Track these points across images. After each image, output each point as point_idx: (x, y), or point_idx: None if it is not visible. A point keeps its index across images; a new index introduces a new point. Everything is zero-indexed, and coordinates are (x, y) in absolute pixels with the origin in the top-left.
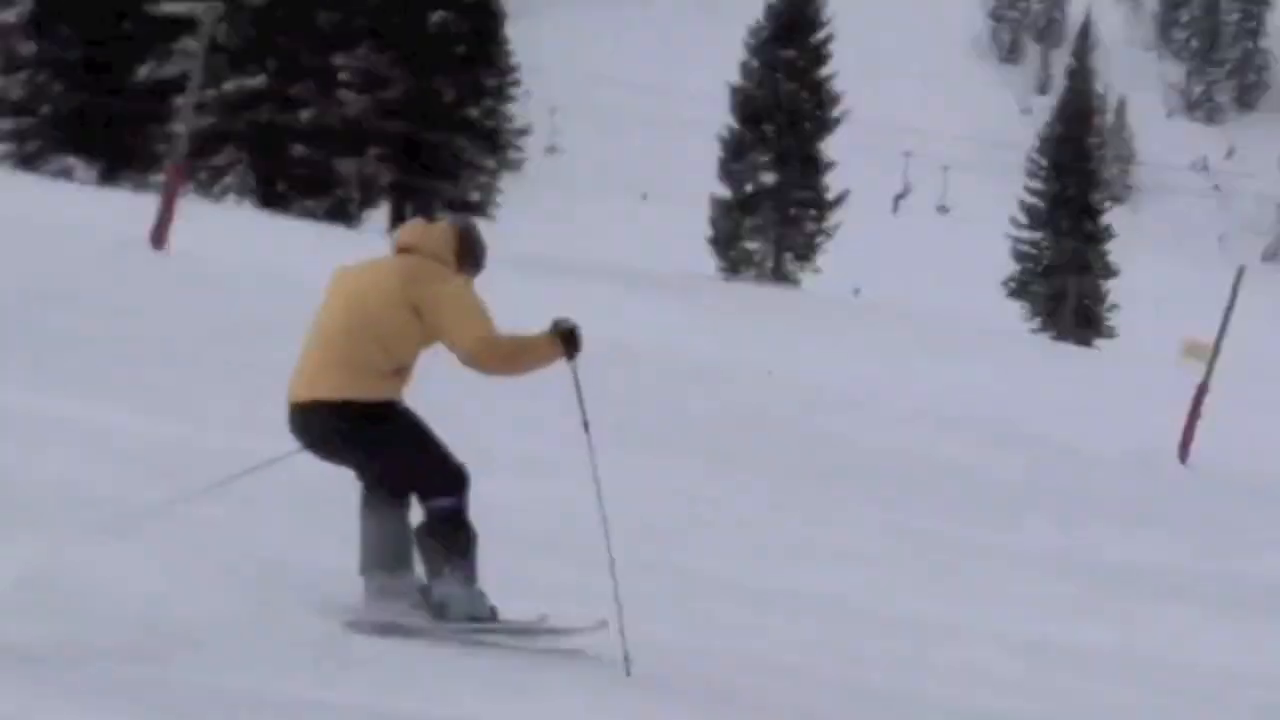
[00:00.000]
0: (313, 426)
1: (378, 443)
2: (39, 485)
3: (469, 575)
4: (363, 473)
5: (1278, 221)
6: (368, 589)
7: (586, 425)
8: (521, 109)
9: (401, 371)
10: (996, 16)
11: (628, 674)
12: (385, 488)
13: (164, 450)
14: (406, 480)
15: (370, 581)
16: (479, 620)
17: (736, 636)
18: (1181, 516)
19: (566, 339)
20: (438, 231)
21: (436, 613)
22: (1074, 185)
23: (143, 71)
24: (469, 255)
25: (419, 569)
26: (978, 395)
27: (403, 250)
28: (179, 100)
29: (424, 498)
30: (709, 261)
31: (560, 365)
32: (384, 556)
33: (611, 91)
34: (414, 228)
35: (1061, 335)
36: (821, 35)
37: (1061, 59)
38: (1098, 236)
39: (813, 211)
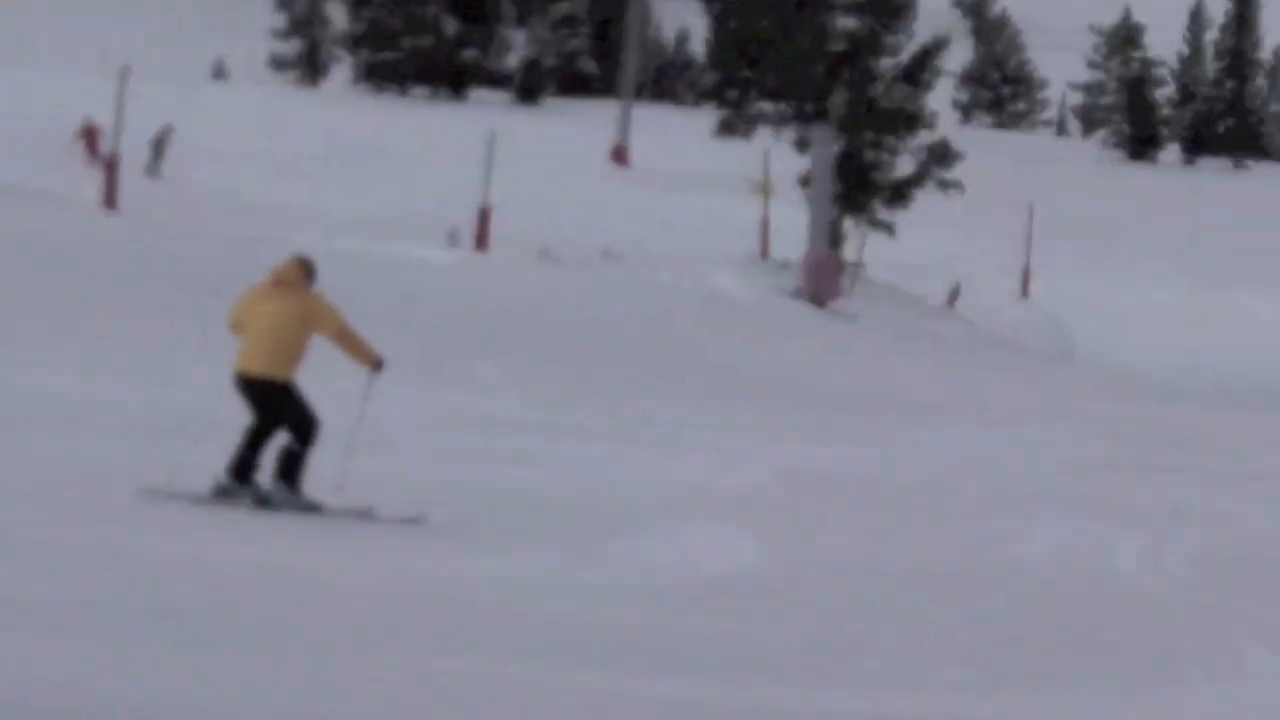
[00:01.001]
0: (254, 389)
1: (286, 404)
2: None
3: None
4: (270, 418)
5: None
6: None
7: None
8: None
9: (300, 359)
10: None
11: None
12: (281, 430)
13: None
14: (297, 428)
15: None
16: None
17: None
18: None
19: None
20: (295, 267)
21: (259, 503)
22: None
23: None
24: (312, 275)
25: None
26: None
27: (283, 284)
28: None
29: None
30: None
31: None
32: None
33: None
34: (284, 268)
35: None
36: None
37: None
38: None
39: None
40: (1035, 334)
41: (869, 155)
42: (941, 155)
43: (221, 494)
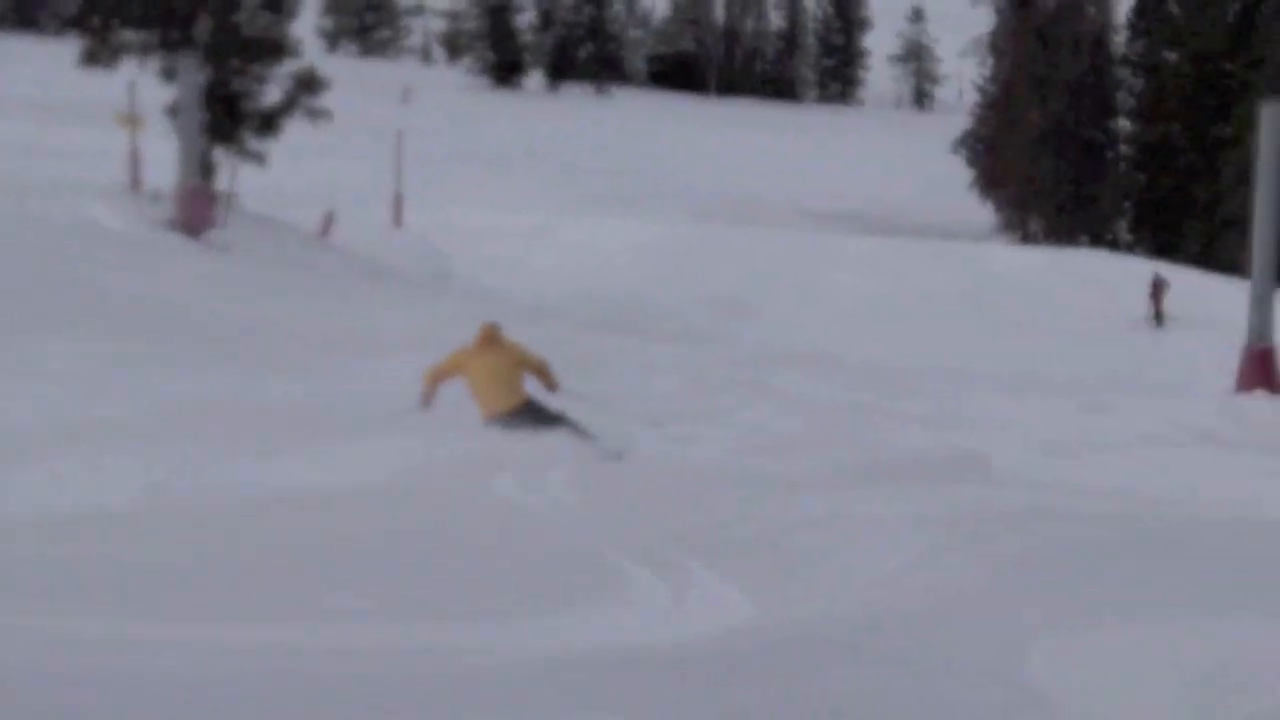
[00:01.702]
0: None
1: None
2: None
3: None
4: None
5: None
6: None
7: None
8: None
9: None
10: None
11: None
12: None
13: None
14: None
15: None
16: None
17: None
18: None
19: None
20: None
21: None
22: None
23: None
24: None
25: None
26: None
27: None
28: None
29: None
30: None
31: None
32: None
33: None
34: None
35: None
36: None
37: None
38: None
39: None
40: (411, 261)
41: (236, 84)
42: (308, 83)
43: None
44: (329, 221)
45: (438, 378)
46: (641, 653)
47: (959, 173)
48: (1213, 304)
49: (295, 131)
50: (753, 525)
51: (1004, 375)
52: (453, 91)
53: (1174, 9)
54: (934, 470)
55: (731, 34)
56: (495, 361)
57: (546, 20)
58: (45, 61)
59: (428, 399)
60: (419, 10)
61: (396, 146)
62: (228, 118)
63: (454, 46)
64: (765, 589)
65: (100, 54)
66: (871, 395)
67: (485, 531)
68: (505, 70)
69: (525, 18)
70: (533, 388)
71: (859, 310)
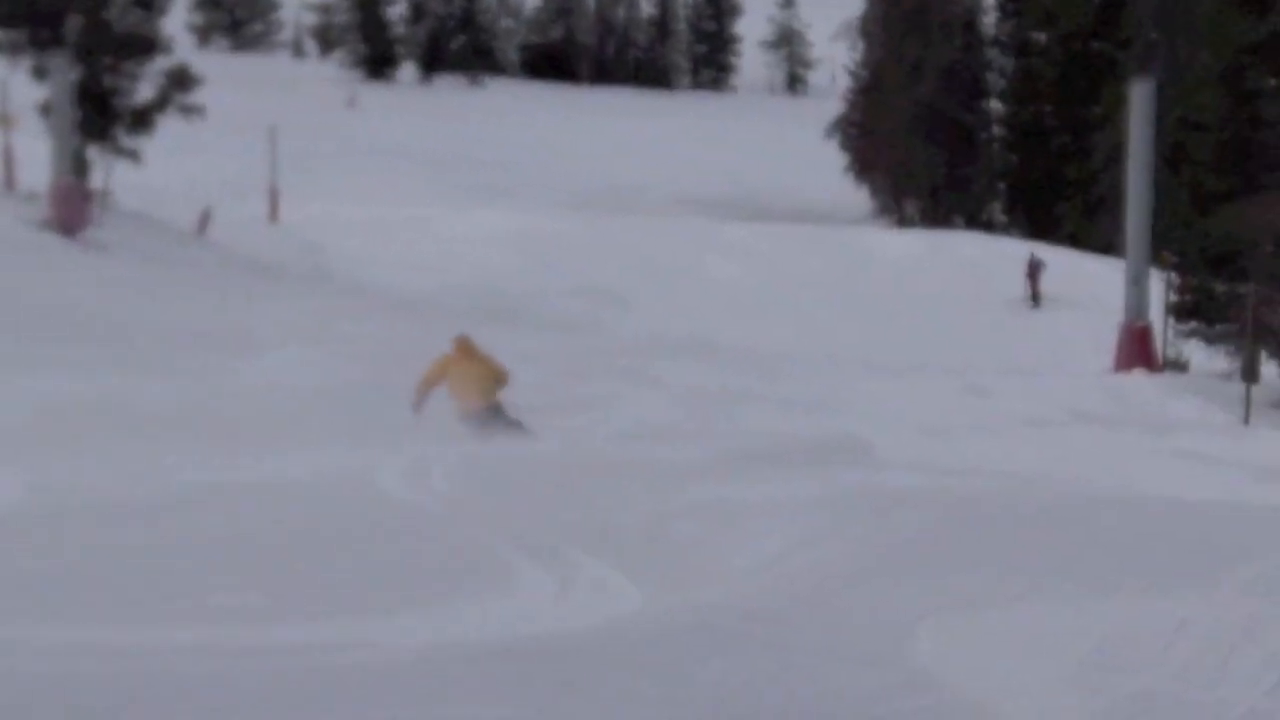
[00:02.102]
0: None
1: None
2: None
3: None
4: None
5: None
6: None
7: None
8: None
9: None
10: None
11: None
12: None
13: None
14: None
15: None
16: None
17: None
18: None
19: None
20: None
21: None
22: None
23: None
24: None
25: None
26: None
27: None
28: None
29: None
30: None
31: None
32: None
33: None
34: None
35: None
36: None
37: None
38: None
39: None
40: (288, 256)
41: (108, 82)
42: (181, 80)
43: None
44: (206, 218)
45: (429, 384)
46: (528, 644)
47: (834, 157)
48: (1088, 284)
49: (169, 128)
50: (635, 514)
51: (883, 359)
52: (326, 85)
53: None
54: (816, 455)
55: (603, 22)
56: (473, 370)
57: (418, 12)
58: None
59: (420, 404)
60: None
61: (271, 141)
62: (100, 115)
63: (326, 40)
64: (650, 577)
65: None
66: (751, 381)
67: (370, 527)
68: (378, 63)
69: (397, 10)
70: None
71: (737, 297)
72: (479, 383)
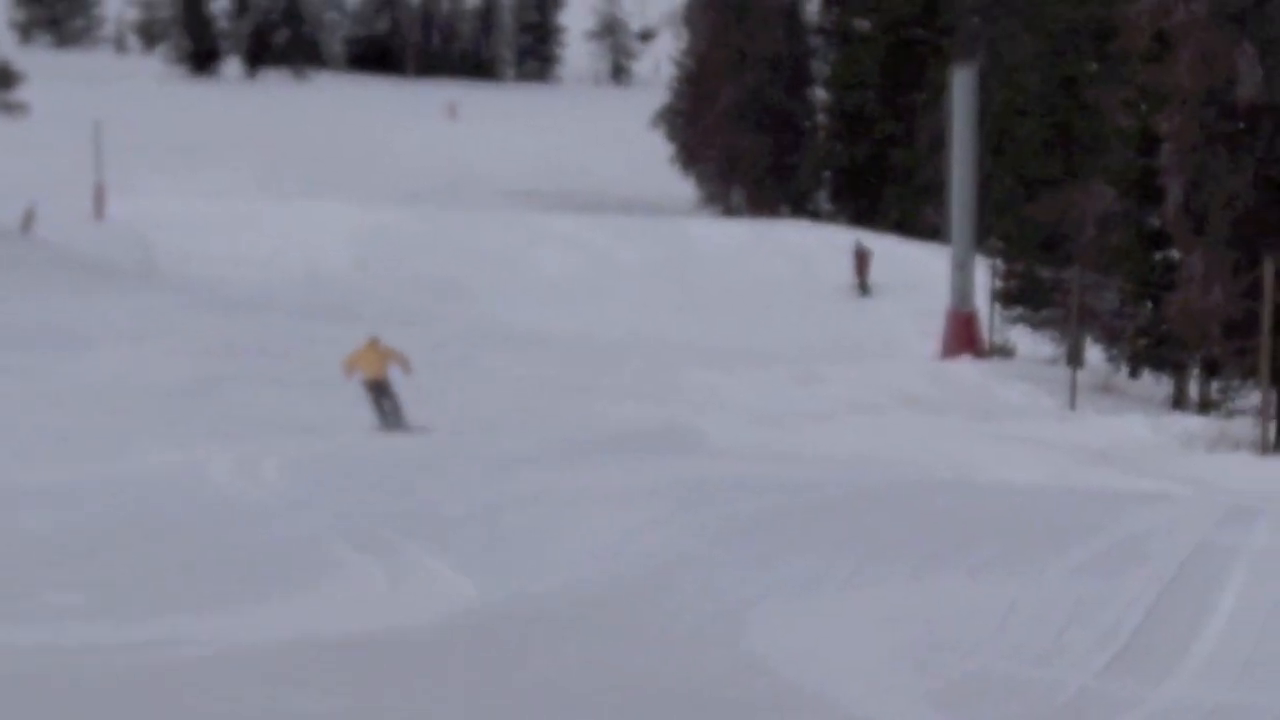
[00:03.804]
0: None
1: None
2: None
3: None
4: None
5: None
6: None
7: None
8: None
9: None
10: None
11: None
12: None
13: None
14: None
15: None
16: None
17: None
18: None
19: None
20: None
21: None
22: None
23: None
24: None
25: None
26: None
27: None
28: None
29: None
30: None
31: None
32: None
33: None
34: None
35: None
36: None
37: None
38: None
39: None
40: (116, 252)
41: None
42: (2, 77)
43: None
44: (30, 216)
45: (350, 366)
46: (363, 637)
47: (660, 147)
48: (915, 270)
49: None
50: (468, 505)
51: (714, 348)
52: (151, 81)
53: None
54: (647, 443)
55: (428, 15)
56: (374, 354)
57: (242, 6)
58: None
59: (348, 379)
60: None
61: (95, 138)
62: None
63: (149, 35)
64: (483, 568)
65: None
66: (583, 371)
67: (201, 522)
68: (202, 58)
69: (220, 4)
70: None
71: (568, 288)
72: (374, 361)
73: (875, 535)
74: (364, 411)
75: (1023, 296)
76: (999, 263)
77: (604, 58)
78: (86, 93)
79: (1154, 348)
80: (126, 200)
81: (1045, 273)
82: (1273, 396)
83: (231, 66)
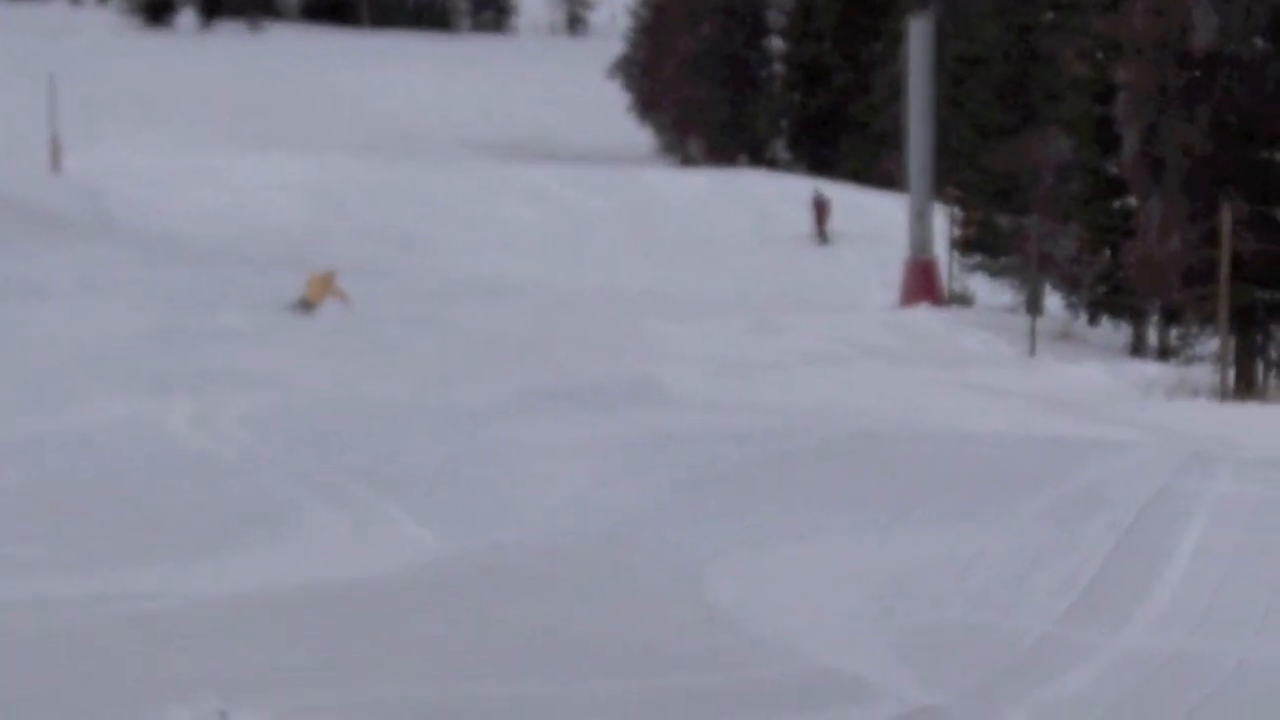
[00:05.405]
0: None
1: None
2: None
3: None
4: None
5: None
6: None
7: None
8: None
9: None
10: None
11: None
12: None
13: None
14: None
15: None
16: None
17: None
18: None
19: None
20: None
21: None
22: None
23: None
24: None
25: None
26: None
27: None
28: None
29: None
30: None
31: None
32: None
33: None
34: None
35: None
36: None
37: None
38: None
39: None
40: (72, 206)
41: None
42: None
43: None
44: None
45: (309, 284)
46: (323, 590)
47: (617, 97)
48: (873, 220)
49: None
50: (431, 457)
51: (674, 298)
52: (104, 32)
53: None
54: (608, 395)
55: None
56: (322, 285)
57: None
58: None
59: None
60: None
61: (50, 90)
62: None
63: None
64: (446, 520)
65: None
66: (543, 323)
67: (161, 474)
68: (157, 9)
69: None
70: None
71: (528, 240)
72: (320, 291)
73: (836, 485)
74: (325, 362)
75: (981, 245)
76: (957, 211)
77: (560, 8)
78: (41, 45)
79: (1112, 295)
80: (83, 154)
81: (1003, 221)
82: (1231, 343)
83: (186, 18)
